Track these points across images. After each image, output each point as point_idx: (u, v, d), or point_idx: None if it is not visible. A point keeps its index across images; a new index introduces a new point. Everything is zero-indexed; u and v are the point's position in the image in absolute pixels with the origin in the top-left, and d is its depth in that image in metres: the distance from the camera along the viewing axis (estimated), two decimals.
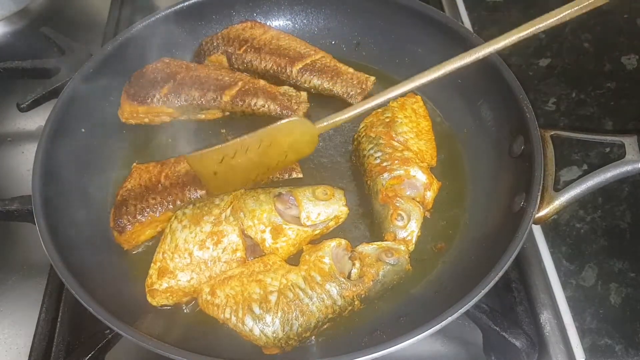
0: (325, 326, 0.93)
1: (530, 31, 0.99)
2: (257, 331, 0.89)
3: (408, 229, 1.00)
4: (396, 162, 1.06)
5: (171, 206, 1.05)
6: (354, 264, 0.94)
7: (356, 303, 0.93)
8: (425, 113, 1.18)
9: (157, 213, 1.04)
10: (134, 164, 1.12)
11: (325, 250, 0.95)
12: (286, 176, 1.12)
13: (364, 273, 0.93)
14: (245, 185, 1.05)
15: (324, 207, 1.02)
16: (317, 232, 1.02)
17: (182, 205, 1.05)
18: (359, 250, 0.97)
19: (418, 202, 1.03)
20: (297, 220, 1.01)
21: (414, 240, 1.01)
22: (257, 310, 0.89)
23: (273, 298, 0.90)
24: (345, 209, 1.03)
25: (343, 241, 0.98)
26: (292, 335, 0.89)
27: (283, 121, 0.99)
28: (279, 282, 0.92)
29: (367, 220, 1.09)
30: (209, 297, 0.92)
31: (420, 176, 1.04)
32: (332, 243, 0.97)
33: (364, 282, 0.92)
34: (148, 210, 1.04)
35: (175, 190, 1.06)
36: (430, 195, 1.05)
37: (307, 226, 1.01)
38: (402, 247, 0.97)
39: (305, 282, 0.92)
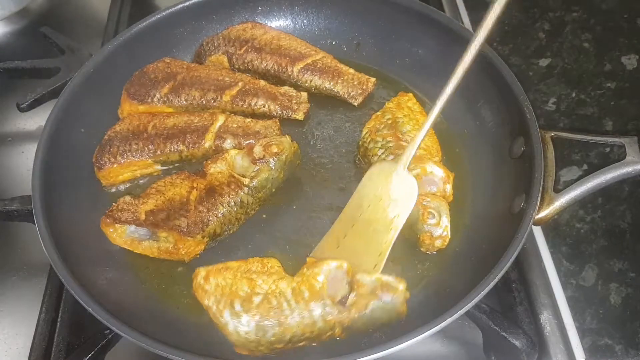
0: (301, 343, 0.89)
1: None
2: (231, 327, 0.88)
3: (441, 225, 1.00)
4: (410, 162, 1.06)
5: (151, 154, 1.11)
6: (351, 290, 0.89)
7: (337, 330, 0.89)
8: (420, 109, 1.18)
9: (137, 158, 1.11)
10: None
11: (322, 269, 0.90)
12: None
13: (354, 302, 0.89)
14: (377, 265, 0.95)
15: None
16: None
17: (161, 155, 1.12)
18: (358, 278, 0.91)
19: (440, 196, 1.04)
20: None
21: (449, 234, 1.01)
22: (237, 307, 0.88)
23: (257, 300, 0.88)
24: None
25: (345, 264, 0.91)
26: (264, 342, 0.87)
27: (364, 177, 0.97)
28: (268, 286, 0.90)
29: None
30: (202, 282, 0.92)
31: (437, 171, 1.05)
32: (333, 264, 0.90)
33: (350, 312, 0.88)
34: (129, 154, 1.11)
35: (157, 141, 1.12)
36: (449, 187, 1.05)
37: None
38: (402, 287, 0.90)
39: (292, 293, 0.88)
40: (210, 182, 1.05)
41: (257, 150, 1.06)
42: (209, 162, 1.08)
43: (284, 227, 1.07)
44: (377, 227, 0.96)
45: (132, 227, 1.01)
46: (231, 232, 1.07)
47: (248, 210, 1.07)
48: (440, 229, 1.00)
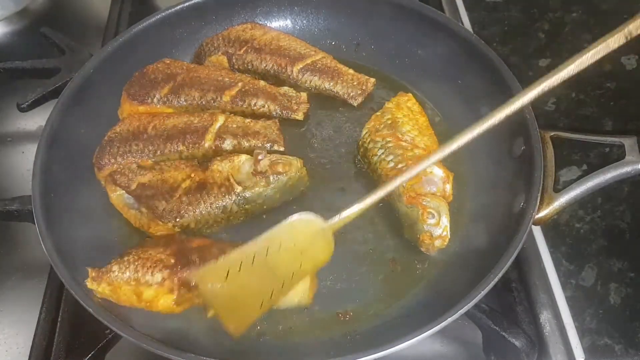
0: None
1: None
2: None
3: (441, 225, 1.00)
4: (410, 162, 1.05)
5: (151, 155, 1.11)
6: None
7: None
8: (420, 109, 1.18)
9: (137, 158, 1.10)
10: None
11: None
12: (268, 147, 1.12)
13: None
14: (263, 305, 0.89)
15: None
16: None
17: (161, 155, 1.11)
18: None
19: (440, 196, 1.04)
20: None
21: (448, 234, 1.01)
22: None
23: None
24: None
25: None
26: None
27: (286, 220, 0.89)
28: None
29: (379, 219, 1.08)
30: None
31: (436, 171, 1.05)
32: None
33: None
34: (129, 154, 1.10)
35: (157, 141, 1.12)
36: (449, 187, 1.05)
37: None
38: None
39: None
40: (206, 177, 1.05)
41: (263, 163, 1.05)
42: (219, 158, 1.08)
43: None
44: (278, 273, 0.89)
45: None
46: (209, 231, 1.06)
47: (230, 218, 1.06)
48: (439, 229, 1.00)
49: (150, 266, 0.94)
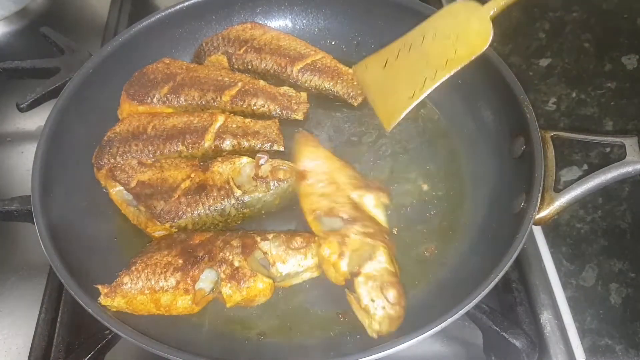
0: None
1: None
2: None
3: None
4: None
5: (151, 155, 1.11)
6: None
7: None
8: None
9: (136, 159, 1.10)
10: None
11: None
12: (267, 146, 1.12)
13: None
14: (415, 95, 0.89)
15: (296, 260, 0.96)
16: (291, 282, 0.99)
17: (161, 155, 1.10)
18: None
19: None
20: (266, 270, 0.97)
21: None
22: None
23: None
24: (316, 260, 0.97)
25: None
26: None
27: (443, 8, 0.88)
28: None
29: None
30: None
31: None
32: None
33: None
34: (128, 154, 1.10)
35: (157, 141, 1.12)
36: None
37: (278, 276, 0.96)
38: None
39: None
40: (206, 178, 1.05)
41: (264, 168, 1.04)
42: (220, 159, 1.07)
43: (282, 228, 1.06)
44: (431, 61, 0.88)
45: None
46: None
47: (228, 221, 1.05)
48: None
49: (161, 272, 0.93)
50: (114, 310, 0.93)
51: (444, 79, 0.89)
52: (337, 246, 0.93)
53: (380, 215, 0.98)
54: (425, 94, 0.88)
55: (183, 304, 0.94)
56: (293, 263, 0.96)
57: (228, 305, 0.95)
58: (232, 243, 0.96)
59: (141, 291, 0.93)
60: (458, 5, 0.87)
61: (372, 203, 0.98)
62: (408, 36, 0.86)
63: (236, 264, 0.94)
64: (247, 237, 0.98)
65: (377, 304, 0.88)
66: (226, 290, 0.93)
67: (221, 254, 0.95)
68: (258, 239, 0.98)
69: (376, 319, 0.88)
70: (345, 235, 0.93)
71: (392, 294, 0.87)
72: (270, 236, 0.98)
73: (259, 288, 0.94)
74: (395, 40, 1.28)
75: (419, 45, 0.87)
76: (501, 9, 0.86)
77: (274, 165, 1.05)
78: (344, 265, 0.91)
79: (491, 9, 0.86)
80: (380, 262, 0.90)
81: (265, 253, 0.96)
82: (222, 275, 0.94)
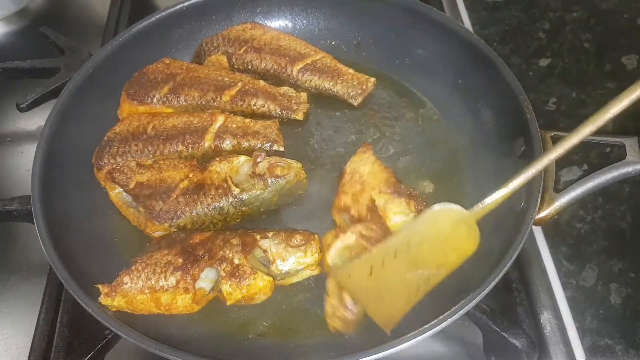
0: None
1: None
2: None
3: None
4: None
5: (151, 155, 1.11)
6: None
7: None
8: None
9: (136, 158, 1.10)
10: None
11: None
12: (267, 147, 1.12)
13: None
14: (410, 301, 0.88)
15: (296, 258, 0.97)
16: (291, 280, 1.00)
17: (161, 155, 1.10)
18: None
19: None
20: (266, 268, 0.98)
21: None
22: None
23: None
24: (317, 256, 0.98)
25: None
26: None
27: (426, 212, 0.86)
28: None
29: None
30: None
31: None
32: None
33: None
34: (128, 154, 1.10)
35: (157, 142, 1.12)
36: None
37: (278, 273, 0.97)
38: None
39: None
40: (204, 178, 1.05)
41: (262, 165, 1.05)
42: (218, 159, 1.07)
43: (282, 228, 1.07)
44: (421, 267, 0.87)
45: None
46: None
47: (227, 219, 1.05)
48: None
49: (161, 271, 0.93)
50: (115, 310, 0.93)
51: (437, 283, 0.88)
52: (331, 238, 0.96)
53: (397, 221, 0.97)
54: (421, 298, 0.88)
55: (183, 303, 0.94)
56: (293, 260, 0.96)
57: (228, 303, 0.95)
58: (231, 241, 0.96)
59: (141, 290, 0.93)
60: (442, 211, 0.85)
61: (396, 209, 0.97)
62: (390, 243, 0.85)
63: (236, 261, 0.94)
64: (246, 236, 0.98)
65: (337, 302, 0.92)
66: (226, 287, 0.93)
67: (221, 252, 0.95)
68: (258, 237, 0.98)
69: (330, 315, 0.94)
70: (344, 231, 0.96)
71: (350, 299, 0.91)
72: (270, 234, 0.98)
73: (259, 286, 0.94)
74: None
75: (404, 252, 0.85)
76: (486, 213, 0.86)
77: (271, 162, 1.05)
78: (330, 257, 0.95)
79: (478, 216, 0.86)
80: None
81: (265, 251, 0.96)
82: (222, 273, 0.94)
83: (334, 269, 0.93)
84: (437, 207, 0.85)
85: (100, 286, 0.92)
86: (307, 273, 0.99)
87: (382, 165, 1.06)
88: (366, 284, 0.87)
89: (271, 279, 0.96)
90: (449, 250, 0.86)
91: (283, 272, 0.97)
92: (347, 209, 1.01)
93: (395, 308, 0.88)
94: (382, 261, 0.86)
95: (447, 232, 0.85)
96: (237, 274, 0.93)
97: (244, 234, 0.99)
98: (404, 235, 0.86)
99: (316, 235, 0.99)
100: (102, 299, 0.91)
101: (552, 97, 1.37)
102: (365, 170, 1.05)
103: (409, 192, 1.00)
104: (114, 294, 0.92)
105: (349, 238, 0.95)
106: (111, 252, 1.05)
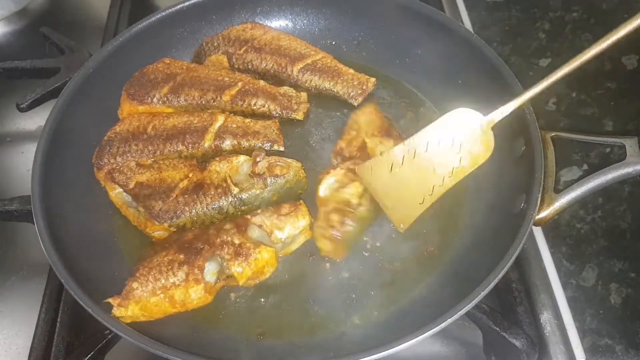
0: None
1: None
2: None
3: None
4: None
5: (151, 155, 1.11)
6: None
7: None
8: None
9: (137, 158, 1.10)
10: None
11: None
12: (267, 147, 1.13)
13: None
14: (425, 201, 0.95)
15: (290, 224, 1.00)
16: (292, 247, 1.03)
17: (161, 155, 1.10)
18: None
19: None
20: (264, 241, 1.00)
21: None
22: None
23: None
24: (308, 218, 1.02)
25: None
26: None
27: (444, 116, 0.91)
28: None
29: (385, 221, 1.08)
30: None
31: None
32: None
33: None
34: (128, 154, 1.10)
35: (157, 142, 1.12)
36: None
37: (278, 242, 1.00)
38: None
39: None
40: (203, 177, 1.05)
41: (261, 165, 1.05)
42: (217, 159, 1.08)
43: None
44: (438, 169, 0.92)
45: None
46: None
47: (227, 219, 1.05)
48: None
49: (167, 270, 0.94)
50: (130, 321, 0.91)
51: (451, 185, 0.95)
52: (324, 174, 1.06)
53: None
54: (434, 200, 0.95)
55: (197, 296, 0.95)
56: (289, 227, 0.99)
57: (241, 283, 0.97)
58: (225, 227, 0.99)
59: (153, 292, 0.93)
60: (460, 113, 0.91)
61: (384, 149, 1.04)
62: (410, 141, 0.90)
63: (237, 241, 0.97)
64: (237, 219, 1.01)
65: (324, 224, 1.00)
66: (236, 268, 0.95)
67: (218, 239, 0.97)
68: (248, 216, 1.01)
69: (319, 237, 1.01)
70: (334, 167, 1.07)
71: (337, 218, 0.99)
72: (259, 210, 1.02)
73: (265, 258, 0.97)
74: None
75: (423, 152, 0.91)
76: (501, 118, 0.91)
77: (270, 161, 1.06)
78: (321, 189, 1.04)
79: (494, 121, 0.90)
80: (346, 193, 1.02)
81: (259, 226, 0.99)
82: (227, 256, 0.95)
83: (360, 168, 0.99)
84: (454, 111, 0.90)
85: (111, 299, 0.91)
86: (302, 238, 1.03)
87: (380, 114, 1.13)
88: (386, 180, 0.93)
89: (274, 248, 0.98)
90: (464, 153, 0.91)
91: (283, 239, 0.99)
92: (342, 151, 1.09)
93: (411, 207, 0.94)
94: (402, 160, 0.92)
95: (464, 134, 0.90)
96: (242, 252, 0.96)
97: (233, 219, 1.02)
98: (423, 136, 0.90)
99: (301, 201, 1.03)
100: (116, 311, 0.90)
101: (552, 97, 1.37)
102: (363, 119, 1.12)
103: (400, 136, 1.06)
104: (126, 302, 0.91)
105: (338, 172, 1.05)
106: (111, 252, 1.05)
